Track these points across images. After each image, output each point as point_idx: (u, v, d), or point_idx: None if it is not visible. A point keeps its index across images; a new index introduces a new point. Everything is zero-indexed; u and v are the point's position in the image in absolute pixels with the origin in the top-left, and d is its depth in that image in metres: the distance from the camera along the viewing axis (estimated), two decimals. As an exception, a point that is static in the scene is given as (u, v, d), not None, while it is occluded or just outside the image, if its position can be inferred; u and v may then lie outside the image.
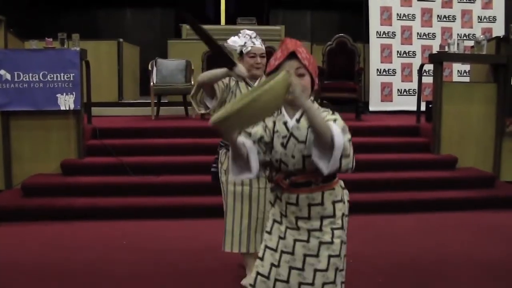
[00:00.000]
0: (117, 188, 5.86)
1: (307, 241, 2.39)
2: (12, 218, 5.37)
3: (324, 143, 2.16)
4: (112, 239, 4.81)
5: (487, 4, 9.78)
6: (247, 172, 2.32)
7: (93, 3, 13.13)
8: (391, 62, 9.60)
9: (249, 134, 2.32)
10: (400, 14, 9.61)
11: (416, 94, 7.93)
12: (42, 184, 5.94)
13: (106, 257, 4.34)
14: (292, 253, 2.40)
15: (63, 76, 6.19)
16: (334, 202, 2.49)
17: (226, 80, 3.48)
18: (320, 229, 2.40)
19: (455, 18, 9.77)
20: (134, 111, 9.13)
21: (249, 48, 3.48)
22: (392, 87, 9.61)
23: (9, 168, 6.30)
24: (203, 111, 3.59)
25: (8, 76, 6.08)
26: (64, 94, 6.19)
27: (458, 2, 9.73)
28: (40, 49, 6.52)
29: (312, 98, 2.35)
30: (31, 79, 6.14)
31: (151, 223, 5.29)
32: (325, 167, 2.19)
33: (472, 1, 9.75)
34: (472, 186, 6.26)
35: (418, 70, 7.79)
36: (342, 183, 2.60)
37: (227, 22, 11.34)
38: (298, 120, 2.34)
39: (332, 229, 2.44)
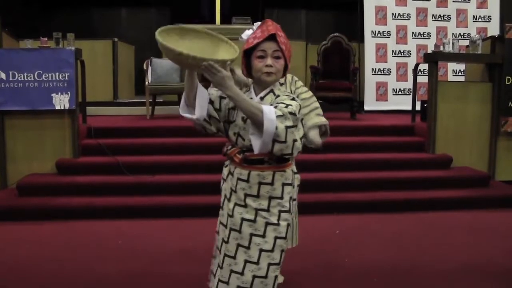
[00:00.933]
0: (112, 187, 5.85)
1: (254, 220, 2.44)
2: (7, 218, 5.35)
3: (257, 125, 2.25)
4: (107, 238, 4.80)
5: (482, 4, 9.80)
6: (192, 112, 2.44)
7: (88, 3, 13.10)
8: (386, 62, 9.63)
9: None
10: (395, 13, 9.63)
11: (411, 93, 7.94)
12: (37, 184, 5.93)
13: (101, 256, 4.33)
14: (239, 231, 2.47)
15: (58, 75, 6.18)
16: (283, 184, 2.48)
17: None
18: (268, 210, 2.45)
19: (450, 18, 9.79)
20: (129, 110, 9.12)
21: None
22: (387, 86, 9.63)
23: (4, 167, 6.28)
24: None
25: (3, 76, 6.07)
26: (59, 93, 6.18)
27: (453, 1, 9.77)
28: (35, 49, 6.50)
29: (282, 80, 2.50)
30: (26, 79, 6.12)
31: (147, 223, 5.28)
32: (256, 147, 2.28)
33: (467, 1, 9.79)
34: (467, 186, 6.28)
35: (413, 69, 7.80)
36: (294, 167, 2.63)
37: (222, 22, 11.30)
38: (262, 98, 2.44)
39: (280, 211, 2.46)
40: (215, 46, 2.40)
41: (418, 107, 7.71)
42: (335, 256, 4.36)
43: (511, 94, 6.82)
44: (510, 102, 6.82)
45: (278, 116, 2.22)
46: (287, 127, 2.25)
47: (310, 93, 3.55)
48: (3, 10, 7.30)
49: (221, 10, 11.57)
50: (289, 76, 3.43)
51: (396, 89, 9.66)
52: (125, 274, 3.94)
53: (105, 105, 9.28)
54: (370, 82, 9.57)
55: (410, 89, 8.47)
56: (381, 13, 9.58)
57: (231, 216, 2.49)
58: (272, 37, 2.37)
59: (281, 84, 2.45)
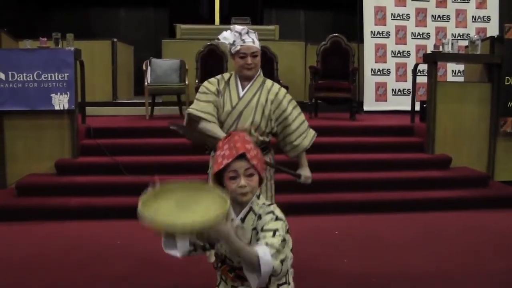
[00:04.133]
0: (111, 187, 5.85)
1: None
2: (6, 218, 5.35)
3: (252, 268, 2.10)
4: (106, 238, 4.79)
5: (481, 4, 9.81)
6: (175, 250, 2.36)
7: (88, 3, 13.11)
8: (386, 62, 9.63)
9: None
10: (395, 14, 9.64)
11: (411, 94, 7.94)
12: (36, 184, 5.93)
13: (99, 256, 4.33)
14: None
15: (57, 75, 6.18)
16: (278, 286, 2.38)
17: (215, 84, 3.31)
18: None
19: (450, 18, 9.80)
20: (128, 110, 9.11)
21: (238, 47, 3.17)
22: (387, 87, 9.63)
23: (3, 167, 6.28)
24: None
25: (2, 76, 6.07)
26: (58, 93, 6.18)
27: (453, 1, 9.77)
28: (34, 49, 6.51)
29: (258, 192, 2.28)
30: (25, 79, 6.12)
31: (146, 223, 5.28)
32: (253, 284, 2.14)
33: (466, 1, 9.79)
34: (466, 186, 6.28)
35: (412, 70, 7.80)
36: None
37: (221, 22, 11.32)
38: (242, 220, 2.27)
39: None
40: (199, 195, 2.17)
41: (417, 108, 7.72)
42: (335, 256, 4.35)
43: (510, 94, 6.82)
44: (509, 103, 6.83)
45: (272, 255, 2.10)
46: (282, 261, 2.14)
47: (293, 103, 3.36)
48: (2, 10, 7.30)
49: (220, 10, 11.59)
50: (281, 91, 3.31)
51: (395, 90, 9.67)
52: (124, 274, 3.94)
53: (104, 105, 9.28)
54: (369, 82, 9.58)
55: (410, 89, 8.47)
56: (380, 14, 9.58)
57: None
58: (241, 156, 2.19)
59: (258, 197, 2.29)
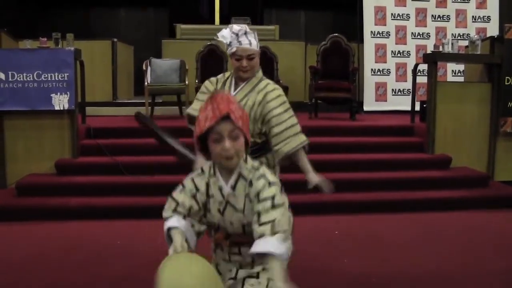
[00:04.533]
0: (111, 187, 5.85)
1: None
2: (6, 218, 5.35)
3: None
4: (106, 238, 4.79)
5: (482, 4, 9.81)
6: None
7: (88, 3, 13.11)
8: (386, 62, 9.63)
9: (177, 203, 2.31)
10: (395, 14, 9.63)
11: (411, 94, 7.94)
12: (36, 184, 5.93)
13: (99, 256, 4.33)
14: None
15: (57, 75, 6.18)
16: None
17: (214, 84, 3.24)
18: (257, 276, 2.30)
19: (450, 18, 9.80)
20: (129, 110, 9.08)
21: (234, 49, 3.06)
22: (387, 87, 9.63)
23: (3, 167, 6.28)
24: None
25: (2, 76, 6.07)
26: (58, 93, 6.18)
27: (453, 1, 9.77)
28: (34, 49, 6.51)
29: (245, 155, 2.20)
30: (25, 79, 6.12)
31: (146, 223, 5.26)
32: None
33: (466, 1, 9.79)
34: (466, 186, 6.27)
35: (412, 70, 7.80)
36: None
37: (221, 22, 11.32)
38: (233, 187, 2.20)
39: (268, 279, 2.26)
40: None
41: (417, 108, 7.71)
42: (334, 257, 4.35)
43: (510, 94, 6.82)
44: (509, 103, 6.83)
45: (283, 240, 2.06)
46: (288, 232, 2.11)
47: (285, 106, 3.14)
48: (3, 10, 7.30)
49: (220, 10, 11.60)
50: (273, 92, 3.12)
51: (395, 90, 9.66)
52: (124, 274, 3.94)
53: (104, 105, 9.28)
54: (369, 82, 9.57)
55: (410, 89, 8.46)
56: (380, 14, 9.58)
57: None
58: (225, 118, 2.08)
59: (245, 160, 2.20)
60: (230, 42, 3.07)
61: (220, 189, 2.21)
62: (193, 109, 3.24)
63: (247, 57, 3.06)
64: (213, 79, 3.31)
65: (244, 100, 3.11)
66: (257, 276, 2.29)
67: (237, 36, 3.06)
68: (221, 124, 2.06)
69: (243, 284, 2.30)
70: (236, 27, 3.10)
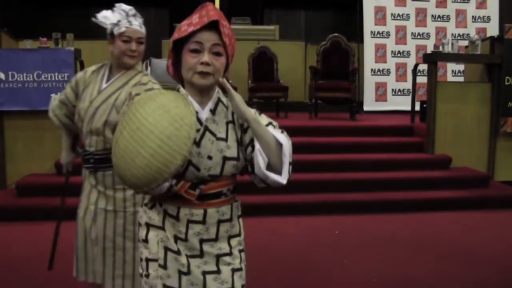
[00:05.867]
0: (111, 188, 5.84)
1: (218, 271, 1.88)
2: (6, 218, 5.35)
3: (273, 153, 1.79)
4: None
5: (482, 4, 9.81)
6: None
7: (87, 3, 13.10)
8: (386, 62, 9.64)
9: None
10: (395, 14, 9.64)
11: (411, 94, 7.95)
12: (36, 184, 5.92)
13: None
14: None
15: (57, 76, 6.18)
16: (239, 217, 1.99)
17: (85, 72, 2.85)
18: (230, 253, 1.91)
19: (450, 18, 9.80)
20: (129, 110, 9.09)
21: (123, 29, 2.64)
22: (387, 87, 9.64)
23: (3, 168, 6.28)
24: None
25: (2, 76, 6.07)
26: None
27: (453, 2, 9.78)
28: (34, 49, 6.50)
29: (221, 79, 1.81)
30: (25, 79, 6.12)
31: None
32: (283, 177, 1.80)
33: (466, 1, 9.80)
34: (466, 186, 6.28)
35: (412, 70, 7.80)
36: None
37: (221, 22, 11.32)
38: (213, 111, 1.86)
39: (240, 251, 1.95)
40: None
41: (417, 108, 7.72)
42: (334, 256, 4.36)
43: (510, 94, 6.82)
44: (509, 103, 6.83)
45: (282, 133, 1.83)
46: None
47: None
48: (3, 10, 7.30)
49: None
50: (147, 87, 2.81)
51: (395, 90, 9.67)
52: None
53: (104, 105, 9.26)
54: (369, 82, 9.58)
55: (409, 89, 8.48)
56: (380, 14, 9.58)
57: (188, 273, 1.85)
58: (213, 25, 1.77)
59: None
60: (119, 21, 2.66)
61: (196, 114, 1.76)
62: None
63: (137, 40, 2.69)
64: (85, 69, 2.92)
65: (115, 95, 2.70)
66: (230, 252, 1.91)
67: (127, 15, 2.71)
68: (206, 33, 1.77)
69: (218, 262, 1.89)
70: (125, 6, 2.74)
